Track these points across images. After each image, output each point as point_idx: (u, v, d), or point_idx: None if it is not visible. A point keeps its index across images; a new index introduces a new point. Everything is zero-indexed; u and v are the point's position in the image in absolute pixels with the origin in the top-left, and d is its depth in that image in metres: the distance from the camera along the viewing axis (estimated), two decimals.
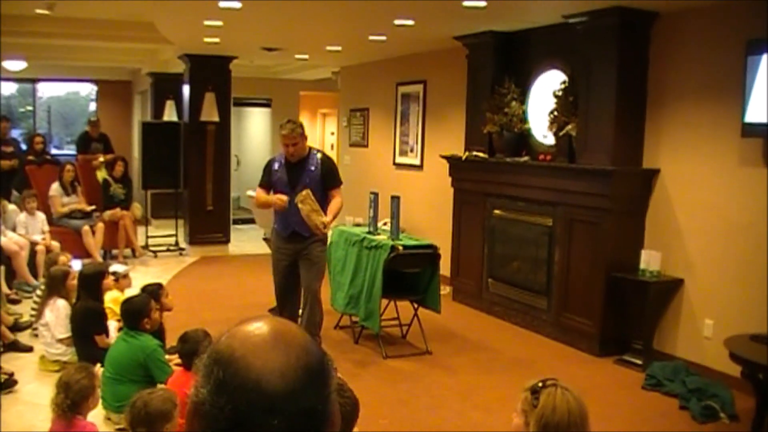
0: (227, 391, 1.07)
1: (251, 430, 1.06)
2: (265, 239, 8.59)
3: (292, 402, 1.08)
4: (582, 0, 6.73)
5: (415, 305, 7.30)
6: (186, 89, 12.42)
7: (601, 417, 5.54)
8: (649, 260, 6.94)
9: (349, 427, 3.49)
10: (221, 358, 1.10)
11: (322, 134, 18.14)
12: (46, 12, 9.28)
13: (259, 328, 1.15)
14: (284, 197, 6.62)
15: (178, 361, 5.08)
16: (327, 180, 6.72)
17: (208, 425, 1.08)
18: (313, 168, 6.69)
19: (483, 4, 6.92)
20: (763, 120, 5.93)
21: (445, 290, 8.77)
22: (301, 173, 6.66)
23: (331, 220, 6.62)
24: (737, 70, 6.16)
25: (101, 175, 11.93)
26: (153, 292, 6.03)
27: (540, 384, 2.79)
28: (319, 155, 6.81)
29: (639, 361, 6.90)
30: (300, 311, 6.95)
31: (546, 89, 8.08)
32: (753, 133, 6.11)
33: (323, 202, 6.58)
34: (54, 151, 16.75)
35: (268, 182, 6.91)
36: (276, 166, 6.84)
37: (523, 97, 8.44)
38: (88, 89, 18.87)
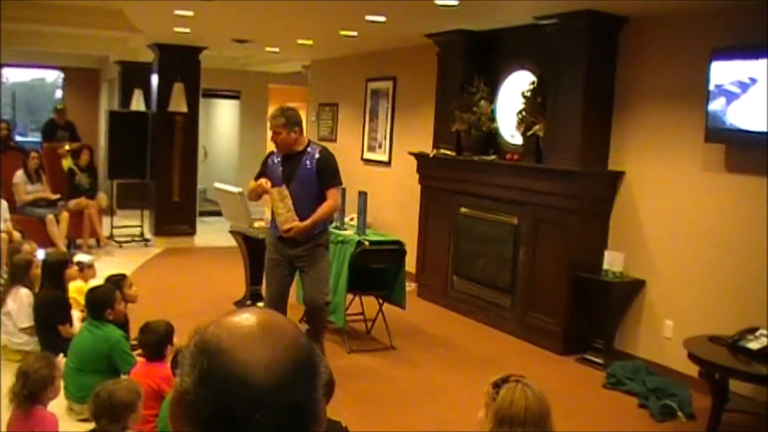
0: (211, 382, 1.06)
1: (234, 423, 1.05)
2: (231, 232, 8.57)
3: (278, 396, 1.06)
4: (553, 2, 6.78)
5: (381, 301, 7.33)
6: (155, 79, 12.34)
7: (563, 414, 5.59)
8: (613, 261, 7.03)
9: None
10: (207, 348, 1.09)
11: None
12: None
13: (248, 319, 1.13)
14: (264, 181, 6.18)
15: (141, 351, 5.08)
16: (322, 178, 6.13)
17: (192, 415, 1.07)
18: (308, 163, 6.13)
19: (455, 2, 6.96)
20: (726, 126, 6.03)
21: (411, 287, 8.80)
22: (295, 168, 6.15)
23: (305, 226, 6.05)
24: (701, 76, 6.25)
25: (67, 163, 11.82)
26: (117, 282, 6.01)
27: (502, 379, 2.83)
28: (318, 150, 6.22)
29: (600, 360, 6.98)
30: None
31: (515, 89, 8.15)
32: (716, 139, 6.21)
33: (318, 201, 6.10)
34: (18, 138, 16.58)
35: (261, 175, 6.36)
36: (273, 159, 6.34)
37: (492, 97, 8.50)
38: (54, 76, 18.70)
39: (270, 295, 6.48)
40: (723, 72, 6.04)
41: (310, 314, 6.39)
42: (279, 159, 6.27)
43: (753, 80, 5.83)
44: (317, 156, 6.16)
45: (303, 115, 16.09)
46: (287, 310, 6.41)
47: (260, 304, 8.32)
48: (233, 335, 1.10)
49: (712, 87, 6.13)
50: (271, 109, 17.00)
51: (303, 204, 6.09)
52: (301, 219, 6.05)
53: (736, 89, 5.96)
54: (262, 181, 6.20)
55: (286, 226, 6.03)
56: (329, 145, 12.64)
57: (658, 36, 6.91)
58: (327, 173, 6.16)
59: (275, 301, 6.38)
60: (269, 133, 17.26)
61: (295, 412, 1.08)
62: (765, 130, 5.75)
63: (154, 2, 8.35)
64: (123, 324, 5.80)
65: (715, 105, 6.11)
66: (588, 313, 7.20)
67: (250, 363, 1.07)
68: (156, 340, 4.80)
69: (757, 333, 5.47)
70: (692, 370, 5.67)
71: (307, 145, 6.24)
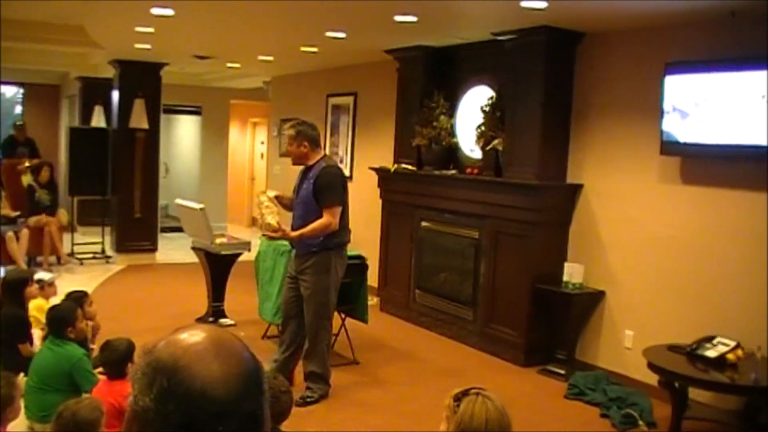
0: (173, 400, 1.11)
1: None
2: (193, 248, 8.55)
3: (235, 407, 1.13)
4: (510, 18, 6.87)
5: (343, 315, 7.33)
6: (115, 95, 12.29)
7: (525, 425, 5.65)
8: (572, 273, 7.11)
9: (282, 417, 3.56)
10: (164, 367, 1.14)
11: (253, 144, 18.09)
12: None
13: (198, 335, 1.20)
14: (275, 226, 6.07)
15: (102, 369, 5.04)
16: (318, 195, 6.01)
17: None
18: (311, 180, 6.05)
19: (414, 19, 7.02)
20: (681, 139, 6.14)
21: (373, 301, 8.83)
22: (303, 182, 6.15)
23: (291, 234, 6.05)
24: (656, 90, 6.36)
25: (26, 180, 11.70)
26: (77, 299, 5.97)
27: (463, 391, 2.85)
28: (323, 165, 6.09)
29: (562, 371, 7.05)
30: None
31: (474, 104, 8.23)
32: (671, 152, 6.32)
33: (315, 219, 6.00)
34: None
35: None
36: (300, 172, 6.30)
37: (451, 111, 8.57)
38: (13, 91, 18.49)
39: (282, 308, 6.57)
40: (677, 86, 6.15)
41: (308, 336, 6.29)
42: (301, 173, 6.30)
43: (706, 94, 5.94)
44: (317, 172, 6.06)
45: (264, 130, 16.16)
46: (298, 325, 6.35)
47: (223, 320, 8.33)
48: (189, 353, 1.16)
49: (666, 101, 6.24)
50: (233, 124, 17.05)
51: (300, 219, 6.12)
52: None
53: (689, 103, 6.07)
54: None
55: (274, 224, 6.02)
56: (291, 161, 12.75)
57: (615, 51, 7.02)
58: (322, 191, 6.02)
59: (284, 314, 6.48)
60: (231, 148, 17.19)
61: (251, 419, 1.17)
62: (718, 143, 5.87)
63: (115, 19, 8.33)
64: (83, 342, 5.76)
65: (670, 119, 6.22)
66: (549, 325, 7.27)
67: (209, 378, 1.13)
68: (117, 358, 4.77)
69: (715, 341, 5.56)
70: (652, 379, 5.76)
71: (318, 161, 6.16)
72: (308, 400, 6.16)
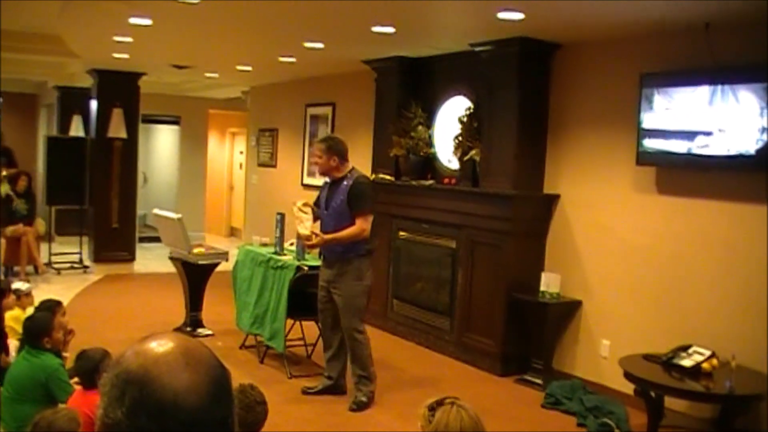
0: (146, 411, 1.12)
1: None
2: (170, 258, 8.52)
3: (208, 415, 1.15)
4: (486, 29, 6.91)
5: (320, 325, 7.33)
6: (93, 104, 12.27)
7: None
8: (549, 282, 7.13)
9: (256, 428, 3.56)
10: (134, 379, 1.15)
11: (231, 153, 18.07)
12: None
13: (167, 345, 1.20)
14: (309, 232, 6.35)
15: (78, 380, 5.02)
16: (351, 203, 6.25)
17: None
18: (344, 189, 6.30)
19: (391, 30, 7.06)
20: (656, 149, 6.19)
21: None
22: (334, 194, 6.37)
23: (325, 238, 6.22)
24: (632, 100, 6.41)
25: (3, 189, 11.64)
26: (50, 308, 5.93)
27: (437, 401, 2.86)
28: (355, 176, 6.36)
29: (539, 381, 7.07)
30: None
31: (451, 114, 8.26)
32: (647, 162, 6.37)
33: (347, 227, 6.22)
34: None
35: (317, 199, 6.66)
36: (326, 183, 6.61)
37: (429, 122, 8.61)
38: None
39: (320, 320, 6.72)
40: (652, 96, 6.20)
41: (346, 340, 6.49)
42: (327, 185, 6.55)
43: (680, 104, 5.99)
44: (351, 182, 6.31)
45: (243, 140, 16.16)
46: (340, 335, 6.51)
47: (200, 330, 8.31)
48: (159, 363, 1.17)
49: (641, 111, 6.29)
50: (211, 134, 17.02)
51: (332, 228, 6.30)
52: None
53: (664, 113, 6.12)
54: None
55: (307, 231, 6.29)
56: (269, 171, 12.82)
57: (590, 62, 7.08)
58: (355, 199, 6.26)
59: (323, 325, 6.68)
60: (209, 158, 17.16)
61: (223, 426, 1.18)
62: (692, 153, 5.92)
63: (93, 28, 8.32)
64: (58, 351, 5.72)
65: (645, 128, 6.26)
66: (526, 334, 7.29)
67: (181, 388, 1.14)
68: (91, 368, 4.74)
69: (690, 350, 5.60)
70: (629, 388, 5.78)
71: (348, 173, 6.40)
72: (362, 403, 6.36)
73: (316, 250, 6.87)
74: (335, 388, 6.62)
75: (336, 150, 6.34)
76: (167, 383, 1.14)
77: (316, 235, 6.24)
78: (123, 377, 1.16)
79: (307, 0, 6.15)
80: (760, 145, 5.45)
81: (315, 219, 6.54)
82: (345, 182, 6.33)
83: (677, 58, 6.17)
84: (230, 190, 17.89)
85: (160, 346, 1.20)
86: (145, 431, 1.12)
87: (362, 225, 6.23)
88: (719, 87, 5.71)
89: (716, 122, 5.74)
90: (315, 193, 6.96)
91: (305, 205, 6.47)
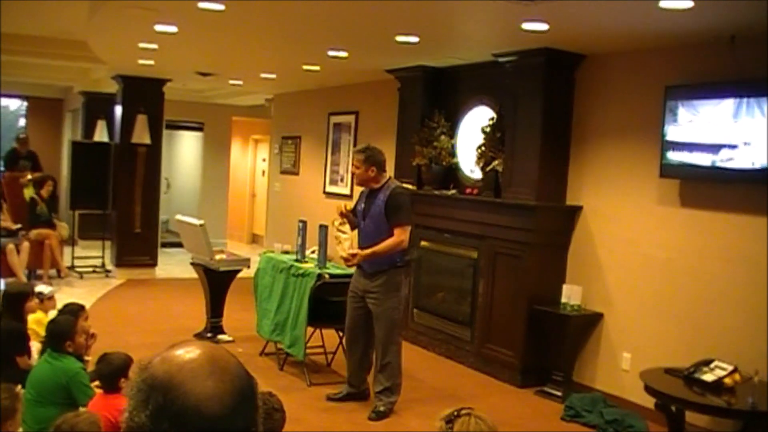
0: (168, 417, 1.13)
1: None
2: (192, 264, 8.56)
3: (230, 424, 1.16)
4: (511, 39, 6.90)
5: (340, 334, 7.32)
6: (118, 110, 12.35)
7: None
8: (571, 294, 7.11)
9: None
10: (159, 384, 1.16)
11: (254, 160, 18.13)
12: None
13: (193, 352, 1.22)
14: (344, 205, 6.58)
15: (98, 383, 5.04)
16: (389, 215, 6.23)
17: None
18: (380, 201, 6.28)
19: (415, 39, 7.06)
20: (680, 162, 6.17)
21: None
22: (371, 204, 6.35)
23: (363, 254, 6.23)
24: (656, 112, 6.38)
25: (28, 193, 11.75)
26: (73, 312, 5.96)
27: (455, 413, 2.84)
28: (392, 188, 6.34)
29: (559, 393, 7.04)
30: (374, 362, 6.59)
31: (474, 124, 8.26)
32: (670, 174, 6.34)
33: (385, 239, 6.22)
34: None
35: (354, 208, 6.61)
36: (363, 193, 6.57)
37: (452, 132, 8.60)
38: (17, 104, 18.54)
39: (347, 326, 6.68)
40: (676, 109, 6.17)
41: (377, 353, 6.50)
42: (365, 195, 6.53)
43: (705, 117, 5.96)
44: (388, 193, 6.30)
45: (266, 147, 16.22)
46: (365, 347, 6.59)
47: (221, 336, 8.33)
48: (184, 370, 1.18)
49: (666, 123, 6.26)
50: (234, 141, 17.09)
51: (369, 238, 6.32)
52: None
53: (689, 126, 6.09)
54: (344, 204, 6.63)
55: (346, 254, 6.32)
56: (292, 178, 12.85)
57: (614, 73, 7.06)
58: (393, 210, 6.25)
59: (349, 331, 6.67)
60: (232, 165, 17.25)
61: None
62: (716, 165, 5.89)
63: (119, 35, 8.38)
64: (80, 356, 5.75)
65: (669, 141, 6.24)
66: (546, 346, 7.26)
67: (203, 396, 1.15)
68: (112, 372, 4.76)
69: (712, 365, 5.55)
70: (649, 401, 5.74)
71: (385, 183, 6.40)
72: (381, 413, 6.37)
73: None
74: (359, 395, 6.62)
75: (374, 161, 6.35)
76: (190, 390, 1.15)
77: (354, 255, 6.25)
78: (149, 382, 1.17)
79: (332, 9, 6.18)
80: None
81: (353, 227, 6.60)
82: (382, 193, 6.32)
83: (702, 71, 6.14)
84: (252, 197, 17.95)
85: (187, 353, 1.21)
86: None
87: (400, 236, 6.24)
88: (744, 100, 5.68)
89: (741, 135, 5.70)
90: (337, 201, 6.98)
91: (342, 224, 6.48)
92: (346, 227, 6.43)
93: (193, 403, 1.14)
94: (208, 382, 1.17)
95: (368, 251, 6.21)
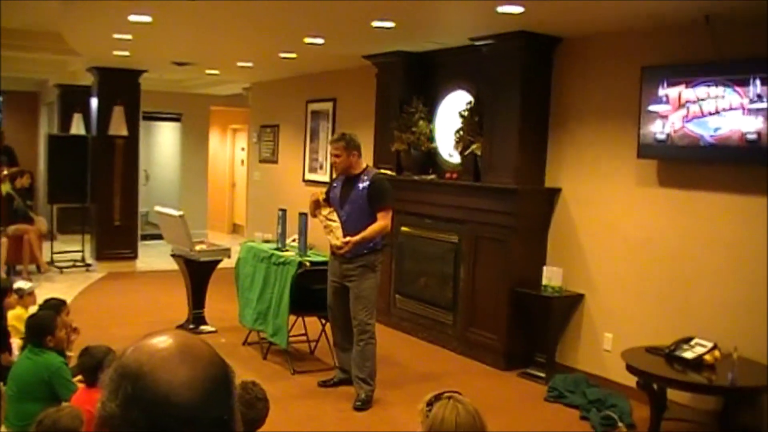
0: (138, 405, 1.11)
1: None
2: (173, 255, 8.53)
3: (202, 412, 1.12)
4: (487, 23, 6.90)
5: (323, 321, 7.33)
6: (94, 102, 12.27)
7: (506, 429, 5.68)
8: (551, 276, 7.13)
9: (257, 424, 3.55)
10: (129, 373, 1.14)
11: (233, 150, 18.07)
12: None
13: (165, 341, 1.19)
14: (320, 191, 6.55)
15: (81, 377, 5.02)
16: (372, 200, 6.29)
17: None
18: (361, 187, 6.33)
19: (391, 24, 7.05)
20: (658, 142, 6.19)
21: None
22: (350, 191, 6.38)
23: (355, 240, 6.21)
24: (633, 94, 6.40)
25: (5, 188, 11.64)
26: (55, 306, 5.93)
27: (435, 396, 2.85)
28: (372, 174, 6.44)
29: (542, 374, 7.08)
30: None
31: (453, 109, 8.26)
32: (648, 155, 6.36)
33: (370, 224, 6.25)
34: None
35: (327, 195, 6.65)
36: (337, 182, 6.58)
37: (430, 117, 8.60)
38: None
39: (330, 312, 6.73)
40: (653, 90, 6.19)
41: (355, 333, 6.47)
42: (340, 182, 6.51)
43: (681, 98, 5.99)
44: (370, 179, 6.35)
45: (244, 136, 16.17)
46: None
47: (203, 327, 8.32)
48: (154, 358, 1.16)
49: (643, 104, 6.29)
50: (213, 131, 17.01)
51: (355, 226, 6.29)
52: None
53: (665, 106, 6.11)
54: (318, 191, 6.60)
55: (340, 242, 6.27)
56: (271, 167, 12.81)
57: (592, 55, 7.07)
58: (377, 196, 6.31)
59: (333, 318, 6.71)
60: (211, 155, 17.14)
61: (218, 425, 1.15)
62: (694, 145, 5.91)
63: (93, 26, 8.31)
64: (61, 351, 5.72)
65: (646, 122, 6.26)
66: (529, 329, 7.30)
67: (174, 383, 1.12)
68: (94, 365, 4.74)
69: (692, 343, 5.60)
70: (631, 380, 5.78)
71: (364, 170, 6.44)
72: (365, 401, 6.36)
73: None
74: (350, 380, 6.61)
75: (354, 145, 6.37)
76: (160, 378, 1.12)
77: (347, 243, 6.24)
78: (119, 371, 1.15)
79: None
80: (761, 137, 5.44)
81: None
82: (361, 181, 6.34)
83: (679, 51, 6.16)
84: (232, 187, 17.89)
85: (159, 342, 1.19)
86: (137, 425, 1.10)
87: (386, 220, 6.32)
88: (721, 79, 5.70)
89: (718, 114, 5.73)
90: (317, 189, 6.95)
91: (330, 213, 6.45)
92: (334, 215, 6.40)
93: (162, 391, 1.11)
94: (178, 369, 1.14)
95: (358, 237, 6.21)
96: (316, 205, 6.55)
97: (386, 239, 6.58)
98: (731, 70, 5.65)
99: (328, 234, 6.41)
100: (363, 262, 6.33)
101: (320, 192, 6.63)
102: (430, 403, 2.81)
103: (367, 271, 6.35)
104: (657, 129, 6.19)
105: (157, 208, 8.80)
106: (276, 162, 12.89)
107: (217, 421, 1.15)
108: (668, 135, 6.12)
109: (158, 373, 1.13)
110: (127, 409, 1.11)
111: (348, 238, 6.22)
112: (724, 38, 5.76)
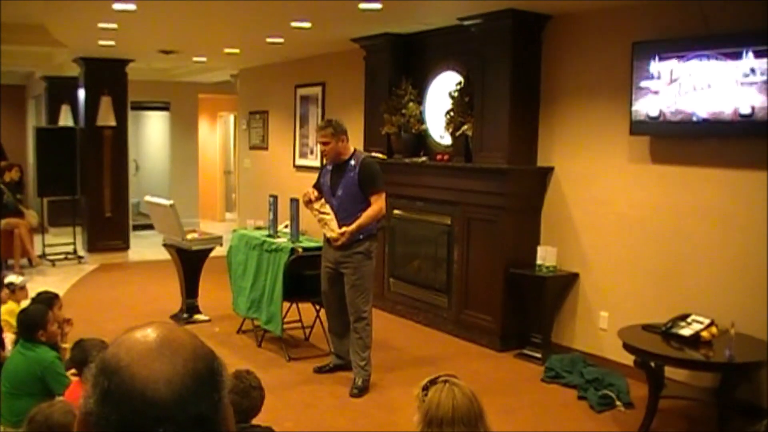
0: (113, 401, 1.05)
1: None
2: (164, 245, 8.48)
3: (179, 410, 1.06)
4: (475, 2, 6.84)
5: (317, 307, 7.29)
6: (81, 93, 12.20)
7: (503, 410, 5.66)
8: (546, 256, 7.11)
9: (251, 412, 3.52)
10: (107, 368, 1.08)
11: (223, 138, 17.99)
12: None
13: (146, 335, 1.13)
14: (312, 191, 6.44)
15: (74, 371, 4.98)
16: (363, 185, 6.25)
17: None
18: (352, 172, 6.28)
19: (378, 6, 6.98)
20: (650, 118, 6.15)
21: None
22: (341, 177, 6.33)
23: (351, 230, 6.15)
24: (625, 70, 6.36)
25: None
26: (47, 300, 5.88)
27: (431, 380, 2.83)
28: (361, 158, 6.36)
29: (538, 355, 7.06)
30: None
31: (442, 90, 8.20)
32: (640, 131, 6.33)
33: (362, 209, 6.21)
34: None
35: (317, 184, 6.59)
36: (326, 169, 6.54)
37: (420, 99, 8.55)
38: None
39: (324, 299, 6.68)
40: (645, 65, 6.15)
41: (351, 320, 6.42)
42: (329, 169, 6.46)
43: (673, 73, 5.95)
44: (359, 164, 6.29)
45: (232, 123, 16.08)
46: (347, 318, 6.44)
47: (197, 316, 8.28)
48: (131, 352, 1.10)
49: (634, 81, 6.24)
50: (202, 119, 16.93)
51: (347, 212, 6.24)
52: (347, 226, 6.20)
53: (657, 82, 6.07)
54: (310, 191, 6.44)
55: (336, 234, 6.20)
56: (261, 153, 12.75)
57: (581, 32, 7.01)
58: (368, 179, 6.26)
59: (327, 304, 6.67)
60: (201, 143, 17.09)
61: (198, 423, 1.08)
62: (686, 120, 5.88)
63: (77, 16, 8.23)
64: (54, 345, 5.68)
65: (638, 98, 6.22)
66: (524, 309, 7.27)
67: (150, 379, 1.07)
68: (86, 358, 4.70)
69: (689, 319, 5.57)
70: (628, 359, 5.75)
71: (353, 154, 6.37)
72: (362, 388, 6.32)
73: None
74: (346, 366, 6.58)
75: (342, 130, 6.30)
76: (137, 373, 1.06)
77: (343, 233, 6.18)
78: (99, 366, 1.10)
79: None
80: (755, 110, 5.40)
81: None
82: (351, 165, 6.29)
83: (670, 26, 6.11)
84: (225, 175, 17.82)
85: (141, 336, 1.13)
86: (111, 422, 1.05)
87: (380, 204, 6.29)
88: (713, 53, 5.66)
89: (710, 89, 5.69)
90: (307, 174, 6.92)
91: (323, 205, 6.35)
92: (327, 207, 6.33)
93: (138, 387, 1.05)
94: (156, 364, 1.08)
95: (354, 226, 6.16)
96: (309, 201, 6.46)
97: (381, 222, 6.54)
98: (723, 44, 5.61)
99: (323, 227, 6.34)
100: (358, 249, 6.27)
101: (311, 191, 6.50)
102: (425, 388, 2.79)
103: (362, 258, 6.30)
104: (649, 105, 6.14)
105: (148, 198, 8.75)
106: (266, 148, 12.82)
107: (197, 419, 1.08)
108: (660, 111, 6.08)
109: (135, 367, 1.07)
110: (103, 405, 1.06)
111: (344, 229, 6.16)
112: (715, 11, 5.72)
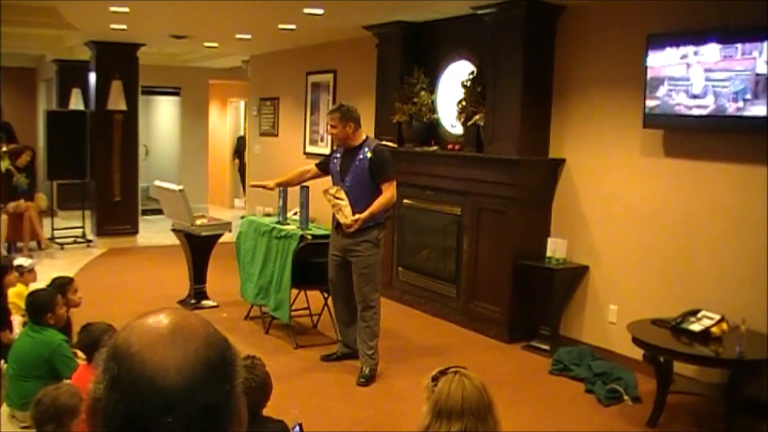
0: (121, 388, 1.04)
1: (145, 429, 1.02)
2: (173, 230, 8.47)
3: (189, 398, 1.04)
4: None
5: (325, 295, 7.28)
6: (92, 77, 12.17)
7: (510, 402, 5.64)
8: (555, 248, 7.08)
9: (260, 402, 3.50)
10: (117, 353, 1.07)
11: (233, 123, 17.98)
12: None
13: (159, 321, 1.12)
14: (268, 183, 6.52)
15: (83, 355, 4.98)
16: (374, 173, 6.19)
17: (104, 423, 1.05)
18: (362, 159, 6.22)
19: None
20: (664, 111, 6.11)
21: None
22: (351, 164, 6.27)
23: (364, 217, 6.07)
24: (639, 62, 6.31)
25: (4, 165, 11.56)
26: (61, 285, 5.87)
27: (441, 371, 2.81)
28: (372, 145, 6.31)
29: (546, 347, 7.03)
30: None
31: (455, 79, 8.16)
32: (654, 124, 6.28)
33: (372, 196, 6.16)
34: None
35: (322, 163, 6.66)
36: (337, 153, 6.49)
37: (432, 87, 8.51)
38: None
39: (331, 287, 6.66)
40: (659, 58, 6.10)
41: (358, 308, 6.40)
42: (340, 153, 6.43)
43: (689, 65, 5.90)
44: (370, 151, 6.24)
45: (243, 109, 16.07)
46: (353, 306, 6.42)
47: (205, 302, 8.28)
48: (143, 339, 1.08)
49: (649, 73, 6.19)
50: (212, 104, 16.92)
51: (357, 198, 6.19)
52: (356, 213, 6.14)
53: (672, 74, 6.02)
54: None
55: (350, 220, 6.13)
56: (271, 140, 12.73)
57: (595, 23, 6.96)
58: (379, 168, 6.22)
59: (335, 292, 6.65)
60: (211, 129, 17.04)
61: (208, 413, 1.06)
62: (700, 114, 5.83)
63: None
64: (65, 329, 5.67)
65: (652, 91, 6.17)
66: (533, 301, 7.25)
67: (160, 366, 1.05)
68: (92, 342, 4.69)
69: (699, 315, 5.54)
70: (637, 353, 5.74)
71: (364, 141, 6.33)
72: (369, 377, 6.30)
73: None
74: (353, 355, 6.56)
75: (350, 116, 6.26)
76: (147, 359, 1.05)
77: (356, 220, 6.12)
78: (110, 351, 1.08)
79: None
80: None
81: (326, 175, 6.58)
82: (362, 153, 6.24)
83: (685, 18, 6.06)
84: (233, 160, 17.81)
85: (153, 322, 1.12)
86: (118, 408, 1.03)
87: (392, 192, 6.24)
88: (728, 47, 5.61)
89: (724, 83, 5.64)
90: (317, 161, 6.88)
91: (338, 191, 6.29)
92: (342, 194, 6.28)
93: (148, 374, 1.04)
94: (167, 351, 1.06)
95: (366, 213, 6.10)
96: (324, 194, 6.41)
97: (389, 211, 6.51)
98: (738, 37, 5.56)
99: (337, 213, 6.29)
100: (366, 237, 6.24)
101: (328, 188, 6.45)
102: (435, 378, 2.78)
103: (370, 246, 6.27)
104: (663, 98, 6.10)
105: (157, 183, 8.73)
106: (276, 135, 12.80)
107: (207, 408, 1.06)
108: (674, 104, 6.03)
109: (146, 354, 1.06)
110: (111, 391, 1.04)
111: (356, 216, 6.11)
112: (730, 4, 5.66)
